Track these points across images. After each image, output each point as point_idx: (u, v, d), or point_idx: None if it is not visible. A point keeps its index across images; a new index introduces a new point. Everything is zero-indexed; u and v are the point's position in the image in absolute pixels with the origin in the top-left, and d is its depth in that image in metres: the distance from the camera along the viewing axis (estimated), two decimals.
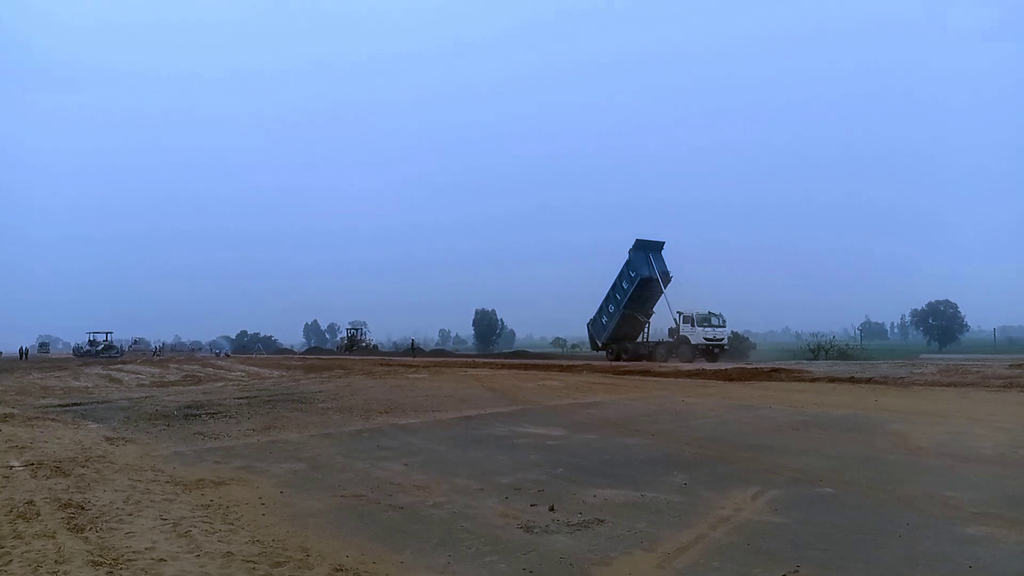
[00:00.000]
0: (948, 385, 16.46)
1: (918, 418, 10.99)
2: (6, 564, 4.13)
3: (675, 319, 36.08)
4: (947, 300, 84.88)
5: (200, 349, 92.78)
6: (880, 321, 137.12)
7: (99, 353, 63.38)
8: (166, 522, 5.12)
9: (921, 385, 16.74)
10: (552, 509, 5.60)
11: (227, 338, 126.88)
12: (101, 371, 30.38)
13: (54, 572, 3.98)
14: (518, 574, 4.20)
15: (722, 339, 35.78)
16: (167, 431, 10.60)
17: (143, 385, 21.85)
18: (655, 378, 22.06)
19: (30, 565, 4.09)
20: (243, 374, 27.31)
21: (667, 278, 36.41)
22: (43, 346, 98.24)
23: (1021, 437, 9.31)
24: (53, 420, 11.88)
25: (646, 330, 38.55)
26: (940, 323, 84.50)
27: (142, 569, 4.05)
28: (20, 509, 5.42)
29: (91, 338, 70.13)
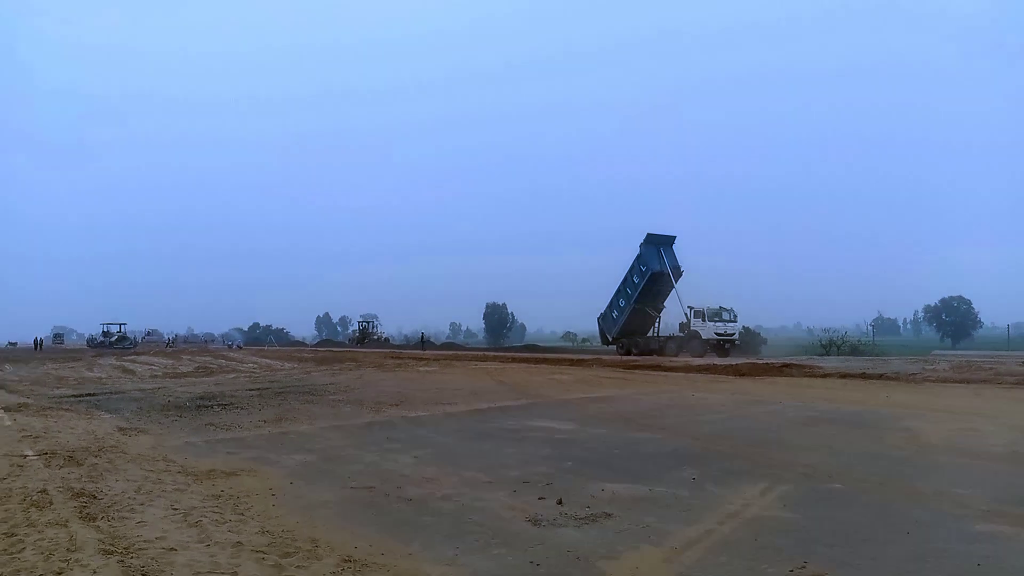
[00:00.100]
0: (960, 382, 16.34)
1: (929, 415, 10.92)
2: (19, 551, 4.18)
3: (686, 314, 35.97)
4: (960, 296, 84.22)
5: (213, 341, 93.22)
6: (893, 317, 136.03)
7: (113, 344, 63.83)
8: (177, 512, 5.16)
9: (933, 382, 16.63)
10: (560, 503, 5.60)
11: (240, 330, 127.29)
12: (115, 362, 30.60)
13: (66, 560, 4.02)
14: (525, 567, 4.21)
15: (733, 334, 35.65)
16: (179, 422, 10.68)
17: (156, 376, 22.01)
18: (665, 373, 22.03)
19: (42, 553, 4.14)
20: (255, 366, 27.45)
21: (678, 272, 36.26)
22: (57, 337, 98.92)
23: None
24: (67, 410, 12.00)
25: (657, 325, 38.43)
26: (953, 319, 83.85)
27: (152, 558, 4.08)
28: (33, 498, 5.49)
29: (105, 329, 70.62)
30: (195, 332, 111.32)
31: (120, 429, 9.71)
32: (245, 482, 6.41)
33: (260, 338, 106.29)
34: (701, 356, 31.59)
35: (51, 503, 5.33)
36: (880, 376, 17.75)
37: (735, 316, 36.27)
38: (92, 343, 70.44)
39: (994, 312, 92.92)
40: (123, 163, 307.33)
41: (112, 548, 4.24)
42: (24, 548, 4.23)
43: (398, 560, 4.29)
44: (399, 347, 61.75)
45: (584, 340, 73.06)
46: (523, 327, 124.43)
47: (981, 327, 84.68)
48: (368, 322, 74.05)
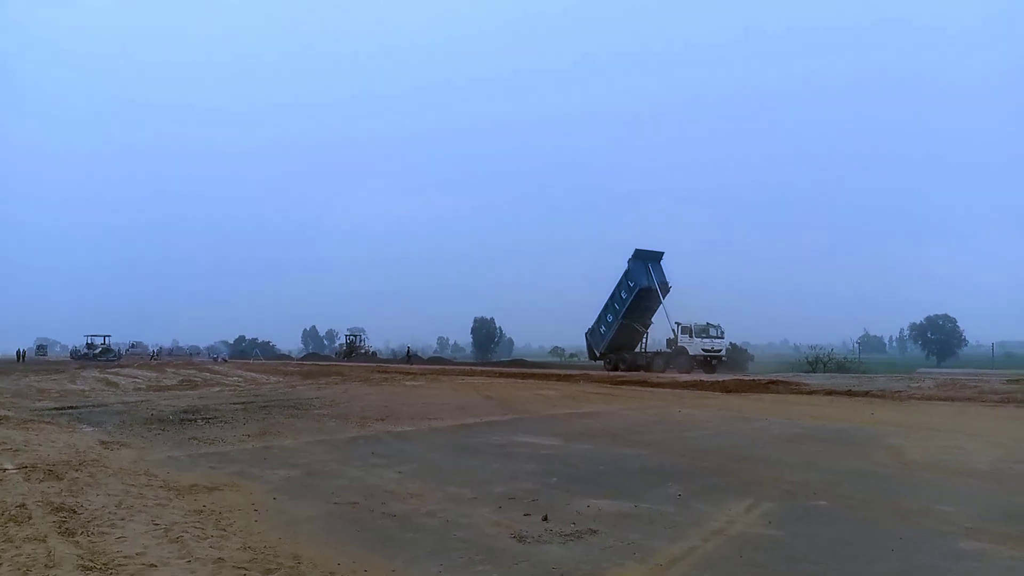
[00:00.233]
0: (945, 399, 16.46)
1: (914, 432, 10.99)
2: None
3: (673, 330, 36.09)
4: (946, 314, 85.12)
5: (198, 354, 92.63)
6: (879, 334, 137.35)
7: (96, 356, 63.18)
8: (158, 527, 5.10)
9: (918, 399, 16.75)
10: (545, 519, 5.58)
11: (225, 343, 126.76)
12: (98, 374, 30.29)
13: None
14: None
15: (720, 350, 35.80)
16: (162, 435, 10.57)
17: (139, 389, 21.79)
18: (652, 388, 22.06)
19: (20, 569, 4.08)
20: (240, 379, 27.25)
21: (666, 288, 36.41)
22: (40, 348, 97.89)
23: (1016, 452, 9.33)
24: (48, 423, 11.85)
25: (644, 340, 38.53)
26: (939, 337, 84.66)
27: (132, 574, 4.03)
28: (12, 512, 5.41)
29: (89, 341, 69.95)
30: (180, 344, 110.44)
31: (102, 443, 9.60)
32: (228, 497, 6.34)
33: (246, 351, 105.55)
34: (688, 372, 31.71)
35: (30, 518, 5.26)
36: (866, 393, 17.85)
37: (722, 332, 36.45)
38: (75, 355, 69.70)
39: (979, 331, 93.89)
40: (107, 172, 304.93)
41: (91, 564, 4.18)
42: (1, 564, 4.17)
43: None
44: (386, 361, 61.57)
45: (572, 355, 73.10)
46: (511, 342, 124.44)
47: (966, 345, 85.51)
48: (355, 336, 73.92)
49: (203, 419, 12.63)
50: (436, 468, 8.04)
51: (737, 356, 40.29)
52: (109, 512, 5.49)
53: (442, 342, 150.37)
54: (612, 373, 33.17)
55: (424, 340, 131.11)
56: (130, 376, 29.01)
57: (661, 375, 29.46)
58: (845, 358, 42.69)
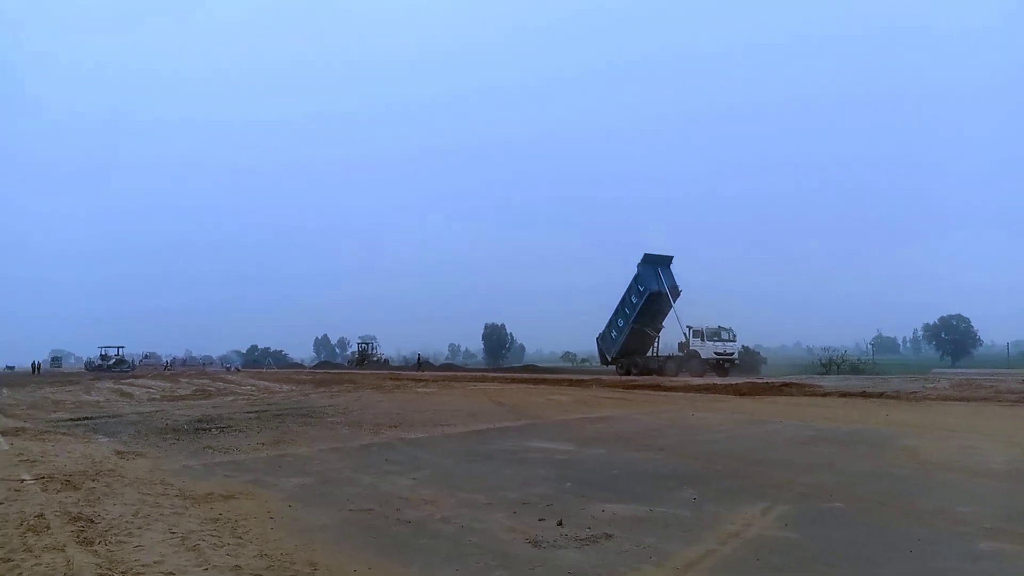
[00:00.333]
0: (960, 400, 16.30)
1: (929, 433, 10.90)
2: None
3: (685, 333, 35.99)
4: (959, 315, 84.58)
5: (211, 363, 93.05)
6: (892, 335, 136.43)
7: (111, 367, 63.71)
8: (175, 536, 5.13)
9: (933, 400, 16.59)
10: (560, 524, 5.57)
11: (238, 352, 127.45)
12: (112, 385, 30.54)
13: None
14: None
15: (732, 353, 35.66)
16: (177, 445, 10.64)
17: (154, 399, 21.93)
18: (665, 392, 21.98)
19: None
20: (253, 388, 27.38)
21: (676, 292, 36.30)
22: (55, 360, 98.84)
23: None
24: (64, 434, 11.95)
25: (656, 344, 38.37)
26: (953, 337, 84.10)
27: None
28: (30, 522, 5.45)
29: (103, 352, 70.55)
30: (193, 355, 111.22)
31: (118, 453, 9.67)
32: (243, 505, 6.38)
33: (258, 360, 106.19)
34: (700, 376, 31.59)
35: (48, 528, 5.30)
36: (880, 394, 17.72)
37: (734, 335, 36.29)
38: (90, 366, 70.34)
39: (993, 330, 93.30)
40: (120, 185, 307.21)
41: (110, 573, 4.21)
42: (21, 573, 4.20)
43: None
44: (398, 368, 61.69)
45: (583, 360, 73.15)
46: (522, 348, 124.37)
47: (981, 345, 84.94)
48: (367, 344, 74.09)
49: (217, 428, 12.69)
50: (449, 474, 8.05)
51: (750, 359, 40.17)
52: (126, 521, 5.53)
53: (453, 349, 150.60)
54: (624, 378, 33.05)
55: (435, 347, 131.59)
56: (144, 387, 29.20)
57: (673, 379, 29.32)
58: (859, 359, 42.47)
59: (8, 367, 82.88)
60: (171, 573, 4.25)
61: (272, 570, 4.38)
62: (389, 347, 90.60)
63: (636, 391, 22.75)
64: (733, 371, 33.92)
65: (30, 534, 5.09)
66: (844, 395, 18.22)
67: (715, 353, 34.82)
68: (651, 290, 35.75)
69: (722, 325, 36.07)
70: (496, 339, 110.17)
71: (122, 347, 72.43)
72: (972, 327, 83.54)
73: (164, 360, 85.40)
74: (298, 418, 14.50)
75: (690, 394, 20.87)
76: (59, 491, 6.76)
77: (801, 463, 8.47)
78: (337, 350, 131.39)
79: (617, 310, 38.50)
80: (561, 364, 75.65)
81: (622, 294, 38.04)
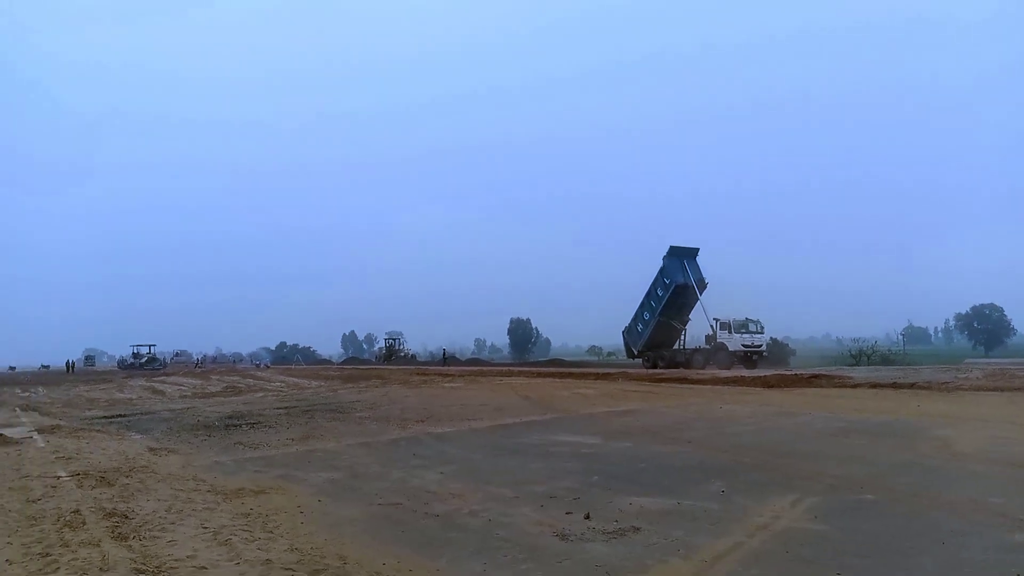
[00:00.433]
0: (994, 389, 16.00)
1: (962, 423, 10.72)
2: (54, 571, 4.25)
3: (712, 326, 35.67)
4: (992, 303, 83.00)
5: (241, 361, 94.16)
6: (923, 326, 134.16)
7: (143, 365, 64.84)
8: (207, 530, 5.22)
9: (966, 390, 16.29)
10: (588, 517, 5.57)
11: (267, 349, 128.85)
12: (144, 383, 31.03)
13: None
14: None
15: (760, 345, 35.31)
16: (208, 441, 10.78)
17: (185, 396, 22.24)
18: (692, 385, 21.85)
19: (76, 572, 4.21)
20: (282, 385, 27.67)
21: (702, 284, 35.99)
22: (89, 359, 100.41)
23: None
24: (98, 431, 12.18)
25: (682, 337, 38.12)
26: (985, 327, 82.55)
27: None
28: (67, 518, 5.58)
29: (135, 351, 71.75)
30: (223, 352, 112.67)
31: (150, 449, 9.83)
32: (273, 500, 6.45)
33: (287, 357, 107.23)
34: (728, 368, 31.29)
35: (84, 523, 5.42)
36: (911, 385, 17.45)
37: (762, 327, 35.92)
38: (122, 365, 71.58)
39: None
40: (155, 184, 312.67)
41: (144, 567, 4.29)
42: (59, 568, 4.31)
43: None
44: (425, 364, 61.96)
45: (609, 354, 72.87)
46: (548, 342, 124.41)
47: (1015, 334, 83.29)
48: (394, 340, 74.48)
49: (248, 424, 12.85)
50: (476, 468, 8.07)
51: (778, 351, 39.80)
52: (159, 516, 5.63)
53: (479, 344, 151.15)
54: (651, 371, 32.91)
55: (461, 342, 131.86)
56: (175, 384, 29.64)
57: (701, 372, 29.14)
58: (889, 350, 41.98)
59: (44, 366, 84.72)
60: (204, 567, 4.32)
61: (303, 564, 4.44)
62: (416, 343, 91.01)
63: (663, 384, 22.63)
64: (761, 363, 33.59)
65: (67, 529, 5.21)
66: (874, 386, 17.97)
67: (743, 345, 34.50)
68: (677, 282, 35.48)
69: (749, 317, 35.71)
70: (522, 333, 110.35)
71: (154, 345, 73.73)
72: (1005, 316, 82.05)
73: (195, 358, 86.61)
74: (327, 414, 14.62)
75: (717, 387, 20.70)
76: (94, 487, 6.91)
77: (831, 455, 8.37)
78: (364, 346, 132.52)
79: (643, 303, 38.28)
80: (587, 358, 75.60)
81: (648, 287, 37.82)
